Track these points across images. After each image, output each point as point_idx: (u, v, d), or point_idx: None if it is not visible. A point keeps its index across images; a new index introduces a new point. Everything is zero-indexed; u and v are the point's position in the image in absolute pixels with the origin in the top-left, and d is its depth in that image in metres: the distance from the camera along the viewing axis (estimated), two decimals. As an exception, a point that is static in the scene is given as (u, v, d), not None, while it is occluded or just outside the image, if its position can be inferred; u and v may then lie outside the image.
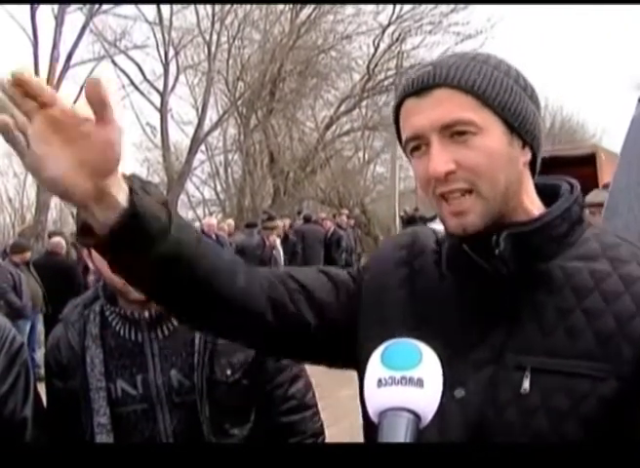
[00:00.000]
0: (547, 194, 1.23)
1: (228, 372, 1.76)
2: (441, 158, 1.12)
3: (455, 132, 1.13)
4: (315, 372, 1.78)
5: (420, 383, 0.96)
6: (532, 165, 1.21)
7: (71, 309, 1.86)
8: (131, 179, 1.10)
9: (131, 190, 1.07)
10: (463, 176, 1.13)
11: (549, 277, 1.15)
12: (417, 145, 1.17)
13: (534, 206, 1.20)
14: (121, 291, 1.74)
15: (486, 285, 1.18)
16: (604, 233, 1.21)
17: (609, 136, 33.21)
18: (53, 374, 1.85)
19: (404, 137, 1.18)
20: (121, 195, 1.06)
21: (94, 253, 1.71)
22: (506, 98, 1.14)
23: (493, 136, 1.13)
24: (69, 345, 1.80)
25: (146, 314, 1.76)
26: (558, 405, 1.09)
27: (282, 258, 12.71)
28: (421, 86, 1.15)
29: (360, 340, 1.26)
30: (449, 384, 1.01)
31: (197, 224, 19.15)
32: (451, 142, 1.13)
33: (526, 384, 1.11)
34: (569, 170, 2.31)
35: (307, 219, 15.79)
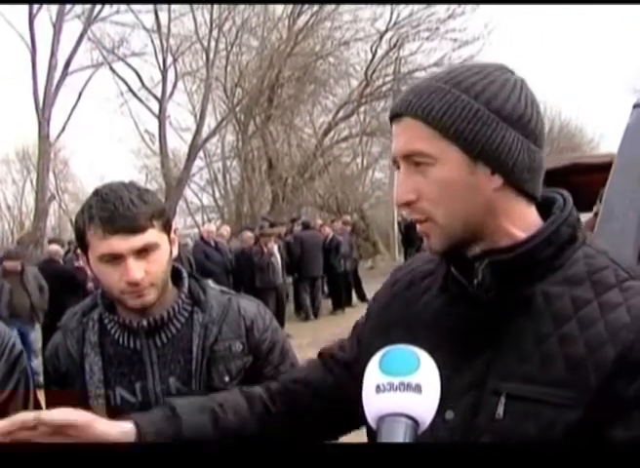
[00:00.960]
0: (544, 207, 1.22)
1: (226, 379, 1.76)
2: (403, 188, 1.18)
3: (414, 162, 1.16)
4: (314, 379, 1.78)
5: (418, 389, 0.97)
6: (516, 185, 1.17)
7: (70, 317, 1.85)
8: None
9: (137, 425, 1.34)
10: (421, 207, 1.17)
11: (531, 303, 1.15)
12: (397, 166, 1.22)
13: (518, 228, 1.18)
14: (119, 299, 1.73)
15: (471, 309, 1.19)
16: (597, 254, 1.18)
17: (607, 141, 33.21)
18: (52, 382, 1.84)
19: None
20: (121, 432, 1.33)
21: (91, 259, 1.71)
22: (464, 127, 1.12)
23: (450, 166, 1.14)
24: (68, 353, 1.79)
25: (144, 322, 1.76)
26: (527, 431, 1.09)
27: (280, 265, 12.71)
28: (393, 113, 1.19)
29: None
30: (440, 405, 1.01)
31: (196, 231, 19.17)
32: (414, 171, 1.17)
33: (500, 409, 1.11)
34: (590, 176, 2.33)
35: (306, 226, 15.77)
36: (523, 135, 1.15)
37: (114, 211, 1.65)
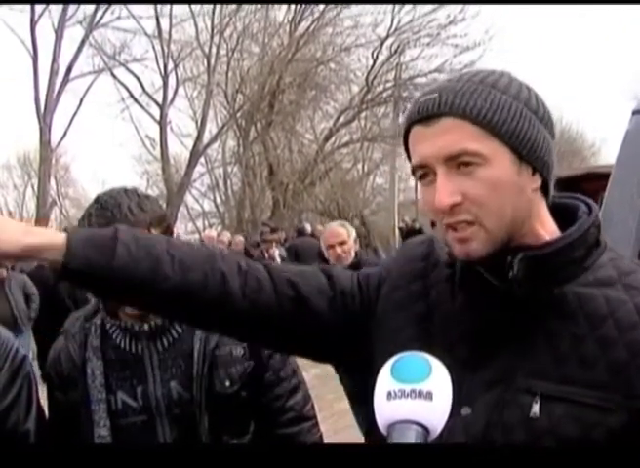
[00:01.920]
0: (562, 214, 1.21)
1: (227, 384, 1.76)
2: (446, 190, 1.11)
3: (461, 162, 1.11)
4: (315, 384, 1.78)
5: (429, 396, 0.96)
6: (545, 187, 1.18)
7: (72, 322, 1.86)
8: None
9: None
10: (469, 208, 1.12)
11: (563, 302, 1.14)
12: (424, 173, 1.16)
13: (546, 230, 1.18)
14: (118, 304, 1.74)
15: (499, 305, 1.16)
16: (621, 258, 1.19)
17: (608, 146, 33.16)
18: (54, 386, 1.85)
19: (412, 164, 1.17)
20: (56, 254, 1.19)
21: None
22: (514, 126, 1.12)
23: (500, 166, 1.11)
24: (70, 357, 1.80)
25: (146, 326, 1.77)
26: (567, 432, 1.08)
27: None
28: (427, 114, 1.13)
29: (374, 353, 1.23)
30: (456, 401, 1.01)
31: (197, 236, 19.16)
32: (457, 173, 1.11)
33: (535, 409, 1.10)
34: (605, 183, 2.33)
35: (301, 232, 15.65)
36: (551, 135, 1.17)
37: (112, 218, 1.65)
